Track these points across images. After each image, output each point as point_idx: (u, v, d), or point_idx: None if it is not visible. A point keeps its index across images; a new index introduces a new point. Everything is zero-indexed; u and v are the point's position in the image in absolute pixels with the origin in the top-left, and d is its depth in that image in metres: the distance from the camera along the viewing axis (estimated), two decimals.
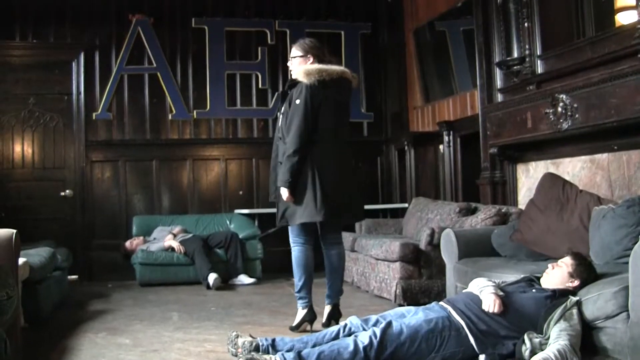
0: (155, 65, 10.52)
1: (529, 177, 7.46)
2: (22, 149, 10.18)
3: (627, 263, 4.39)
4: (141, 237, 9.62)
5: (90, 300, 7.75)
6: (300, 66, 5.89)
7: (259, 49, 10.90)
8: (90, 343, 5.52)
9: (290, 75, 5.96)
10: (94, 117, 10.36)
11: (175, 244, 9.14)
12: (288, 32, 10.93)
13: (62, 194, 10.20)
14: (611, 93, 5.85)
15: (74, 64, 10.31)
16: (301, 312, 5.94)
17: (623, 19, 6.61)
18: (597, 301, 4.53)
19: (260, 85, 10.86)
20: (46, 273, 6.80)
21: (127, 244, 9.53)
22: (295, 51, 6.01)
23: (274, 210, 9.57)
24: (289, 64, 6.08)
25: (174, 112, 10.60)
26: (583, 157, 6.65)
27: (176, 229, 9.54)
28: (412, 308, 4.79)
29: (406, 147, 10.29)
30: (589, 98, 6.10)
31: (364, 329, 4.52)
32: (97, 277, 9.82)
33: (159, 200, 10.58)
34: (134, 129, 10.54)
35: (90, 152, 10.35)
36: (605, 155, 6.39)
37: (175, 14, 10.72)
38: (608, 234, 5.29)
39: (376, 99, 11.40)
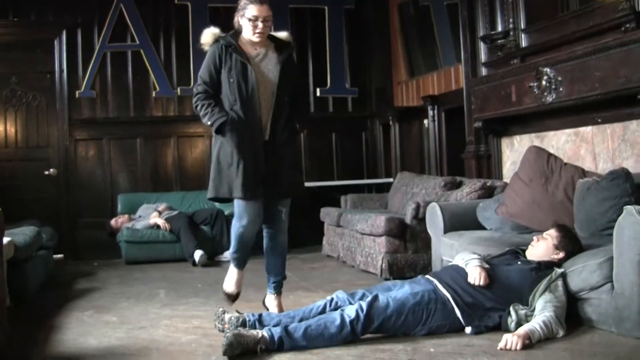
0: (138, 42, 10.45)
1: (513, 151, 7.48)
2: (5, 128, 10.11)
3: (611, 235, 4.45)
4: (126, 215, 9.60)
5: (76, 279, 7.73)
6: (280, 32, 5.45)
7: None
8: (77, 321, 5.51)
9: (259, 33, 5.13)
10: (77, 96, 10.30)
11: (160, 222, 9.13)
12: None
13: (47, 173, 10.15)
14: (595, 66, 5.86)
15: (56, 42, 10.22)
16: None
17: None
18: (581, 273, 4.57)
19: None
20: (31, 252, 6.78)
21: (113, 222, 9.51)
22: (269, 11, 5.18)
23: None
24: (260, 22, 5.12)
25: (158, 89, 10.54)
26: (567, 130, 6.67)
27: (161, 207, 9.53)
28: (398, 282, 4.83)
29: (391, 122, 10.29)
30: (573, 71, 6.11)
31: (351, 303, 4.55)
32: (82, 255, 9.79)
33: (143, 178, 10.54)
34: (118, 106, 10.48)
35: (74, 130, 10.29)
36: (589, 128, 6.41)
37: None
38: (592, 206, 5.32)
39: (360, 75, 11.36)
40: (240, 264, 5.39)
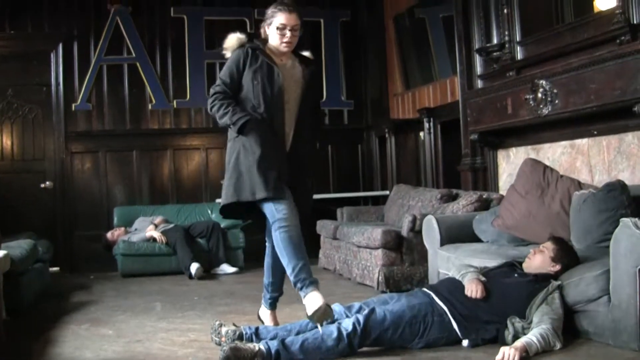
0: (134, 55, 10.46)
1: (509, 163, 7.49)
2: (1, 140, 10.11)
3: (608, 247, 4.46)
4: (122, 228, 9.59)
5: (72, 292, 7.72)
6: (304, 51, 5.28)
7: None
8: (73, 334, 5.50)
9: (287, 42, 4.94)
10: (73, 108, 10.30)
11: (156, 234, 9.12)
12: None
13: (43, 185, 10.16)
14: (590, 78, 5.87)
15: (52, 54, 10.24)
16: None
17: (602, 4, 6.64)
18: (578, 285, 4.58)
19: None
20: (27, 265, 6.77)
21: (109, 235, 9.49)
22: (297, 20, 4.96)
23: None
24: (288, 31, 4.91)
25: (154, 102, 10.55)
26: (563, 143, 6.68)
27: (157, 219, 9.51)
28: (395, 295, 4.83)
29: (387, 134, 10.31)
30: (568, 83, 6.13)
31: (347, 316, 4.54)
32: (78, 268, 9.78)
33: (140, 191, 10.55)
34: (114, 119, 10.49)
35: (70, 143, 10.30)
36: (585, 140, 6.42)
37: (153, 3, 10.65)
38: (589, 218, 5.32)
39: (356, 87, 11.38)
40: (312, 278, 4.67)
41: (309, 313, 4.43)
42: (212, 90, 4.97)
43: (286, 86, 4.89)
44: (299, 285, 4.60)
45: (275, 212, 4.70)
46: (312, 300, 4.47)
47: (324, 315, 4.42)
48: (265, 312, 5.31)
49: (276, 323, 5.16)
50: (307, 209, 5.14)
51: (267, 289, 5.27)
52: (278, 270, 5.11)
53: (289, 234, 4.66)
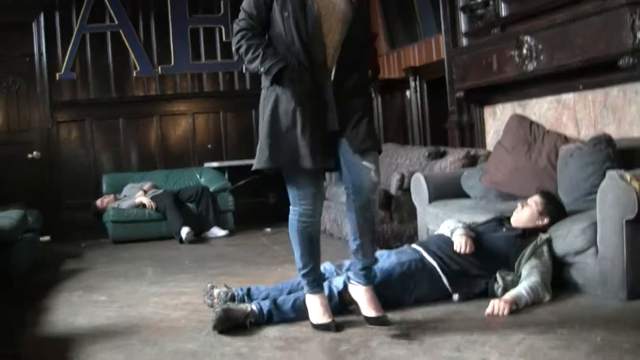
0: (117, 22, 10.39)
1: (496, 120, 7.50)
2: None
3: (594, 200, 4.50)
4: (112, 195, 9.57)
5: (63, 261, 7.71)
6: None
7: (222, 1, 10.80)
8: (66, 302, 5.51)
9: None
10: (57, 78, 10.24)
11: (146, 200, 9.12)
12: None
13: (30, 156, 10.11)
14: (575, 33, 5.87)
15: (34, 24, 10.15)
16: None
17: None
18: (566, 237, 4.62)
19: (224, 39, 10.76)
20: (17, 235, 6.76)
21: (98, 202, 9.48)
22: None
23: (242, 162, 9.56)
24: None
25: (139, 69, 10.50)
26: (549, 98, 6.69)
27: (146, 185, 9.51)
28: (384, 252, 4.84)
29: (373, 94, 10.28)
30: (553, 39, 6.12)
31: (338, 274, 4.58)
32: (69, 237, 9.75)
33: (127, 158, 10.53)
34: (99, 87, 10.44)
35: (55, 112, 10.25)
36: (571, 95, 6.43)
37: None
38: (575, 172, 5.35)
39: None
40: (316, 283, 4.24)
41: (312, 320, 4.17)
42: (235, 27, 4.15)
43: (324, 14, 3.99)
44: (305, 287, 4.25)
45: (306, 191, 4.14)
46: (314, 302, 4.20)
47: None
48: (358, 290, 4.19)
49: (376, 306, 4.11)
50: (376, 142, 4.17)
51: (357, 255, 4.17)
52: (365, 229, 4.13)
53: (309, 225, 4.17)
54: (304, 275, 4.20)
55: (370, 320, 4.04)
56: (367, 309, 4.08)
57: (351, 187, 4.09)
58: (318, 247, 4.25)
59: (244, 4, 4.12)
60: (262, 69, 4.03)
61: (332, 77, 4.05)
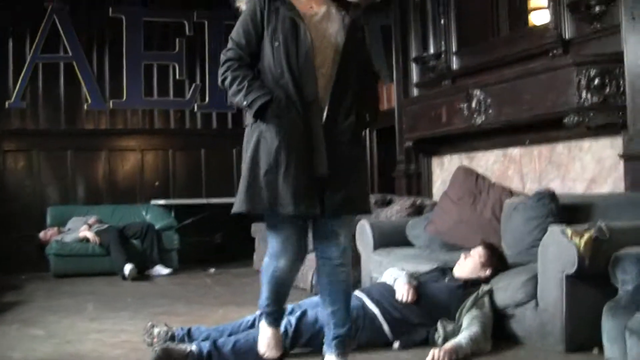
0: (71, 54, 10.35)
1: (443, 170, 7.59)
2: None
3: (536, 253, 4.55)
4: (56, 228, 9.45)
5: (2, 293, 7.57)
6: None
7: (177, 39, 10.83)
8: (3, 335, 5.40)
9: None
10: (7, 106, 10.15)
11: (90, 235, 9.03)
12: (206, 23, 10.89)
13: None
14: (523, 89, 5.99)
15: None
16: None
17: (536, 18, 6.80)
18: (507, 290, 4.66)
19: (177, 76, 10.79)
20: None
21: (42, 234, 9.36)
22: None
23: (189, 201, 9.53)
24: None
25: (90, 101, 10.45)
26: (496, 151, 6.80)
27: (91, 219, 9.42)
28: None
29: None
30: (502, 94, 6.24)
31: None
32: (10, 269, 9.58)
33: (74, 191, 10.44)
34: (49, 118, 10.36)
35: (3, 141, 10.16)
36: (517, 149, 6.54)
37: (92, 2, 10.56)
38: (519, 225, 5.42)
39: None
40: (276, 320, 4.04)
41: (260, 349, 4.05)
42: (222, 57, 3.77)
43: (317, 45, 3.65)
44: (264, 318, 4.04)
45: (284, 240, 3.80)
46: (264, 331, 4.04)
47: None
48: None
49: None
50: (361, 202, 3.84)
51: (329, 323, 3.91)
52: (338, 294, 3.90)
53: (282, 274, 3.87)
54: (265, 312, 4.00)
55: None
56: None
57: (321, 248, 3.92)
58: (287, 293, 4.01)
59: (233, 33, 3.76)
60: (244, 102, 3.63)
61: (324, 116, 3.64)
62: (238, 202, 3.66)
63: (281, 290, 3.96)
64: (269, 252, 3.86)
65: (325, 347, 3.91)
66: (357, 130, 3.78)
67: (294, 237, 3.79)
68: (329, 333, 3.87)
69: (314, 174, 3.60)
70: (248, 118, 3.75)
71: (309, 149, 3.60)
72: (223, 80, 3.74)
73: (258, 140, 3.63)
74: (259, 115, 3.61)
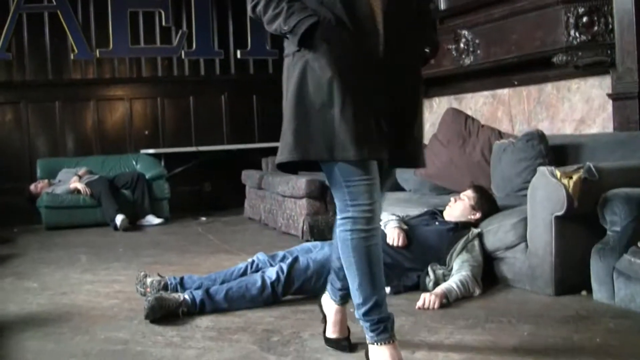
0: (55, 3, 10.20)
1: (432, 113, 7.58)
2: None
3: (526, 195, 4.55)
4: (46, 180, 9.43)
5: None
6: None
7: None
8: None
9: None
10: None
11: (80, 186, 9.02)
12: None
13: None
14: (511, 29, 5.97)
15: None
16: None
17: None
18: (497, 232, 4.68)
19: (163, 23, 10.68)
20: None
21: (32, 187, 9.34)
22: None
23: (179, 149, 9.52)
24: None
25: (76, 51, 10.34)
26: (485, 93, 6.79)
27: (81, 171, 9.39)
28: (318, 243, 4.87)
29: None
30: (490, 34, 6.21)
31: (272, 265, 4.58)
32: (1, 222, 9.60)
33: (63, 142, 10.38)
34: (35, 69, 10.26)
35: None
36: (506, 90, 6.53)
37: None
38: (508, 167, 5.44)
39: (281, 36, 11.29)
40: (383, 326, 3.10)
41: None
42: None
43: None
44: (367, 326, 3.10)
45: (362, 189, 2.97)
46: (382, 358, 3.09)
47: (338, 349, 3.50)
48: (330, 305, 3.55)
49: (344, 323, 3.55)
50: (418, 154, 3.22)
51: (338, 276, 3.41)
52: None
53: (368, 242, 3.01)
54: (365, 315, 3.08)
55: (329, 342, 3.54)
56: (331, 329, 3.51)
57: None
58: (382, 272, 3.09)
59: None
60: (285, 28, 2.98)
61: (381, 42, 3.01)
62: (285, 149, 3.02)
63: (374, 269, 3.05)
64: (340, 209, 3.07)
65: (329, 290, 3.52)
66: (418, 64, 3.20)
67: (365, 177, 2.97)
68: (337, 282, 3.42)
69: (376, 110, 2.97)
70: (289, 47, 3.11)
71: (368, 79, 2.97)
72: (254, 7, 3.09)
73: (304, 71, 2.98)
74: (305, 42, 2.95)
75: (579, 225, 4.33)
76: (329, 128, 2.89)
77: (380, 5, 2.98)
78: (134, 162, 9.98)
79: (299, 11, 2.94)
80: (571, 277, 4.36)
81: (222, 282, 4.50)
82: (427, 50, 3.22)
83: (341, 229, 3.04)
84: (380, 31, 2.98)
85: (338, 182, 3.00)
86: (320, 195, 7.08)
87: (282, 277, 4.38)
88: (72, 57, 10.37)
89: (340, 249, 3.09)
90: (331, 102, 2.89)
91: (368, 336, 3.11)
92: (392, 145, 3.01)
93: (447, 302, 4.26)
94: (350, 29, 2.93)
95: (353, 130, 2.87)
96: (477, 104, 6.87)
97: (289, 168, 3.14)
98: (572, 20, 5.46)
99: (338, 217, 3.06)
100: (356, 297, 3.07)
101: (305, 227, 7.04)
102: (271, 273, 4.40)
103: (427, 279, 4.54)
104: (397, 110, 3.03)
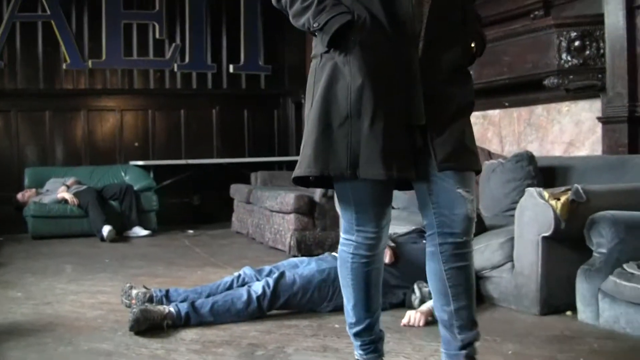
0: (49, 12, 10.20)
1: None
2: None
3: (514, 215, 4.56)
4: (34, 189, 9.40)
5: None
6: None
7: None
8: None
9: None
10: None
11: (68, 196, 8.99)
12: None
13: None
14: (504, 51, 5.99)
15: None
16: None
17: None
18: (484, 252, 4.69)
19: (157, 36, 10.68)
20: None
21: (19, 195, 9.30)
22: None
23: (168, 162, 9.50)
24: None
25: (69, 61, 10.33)
26: (476, 113, 6.79)
27: (70, 181, 9.37)
28: (305, 259, 4.88)
29: (303, 100, 10.30)
30: (483, 55, 6.21)
31: (258, 279, 4.59)
32: None
33: (52, 152, 10.35)
34: (27, 78, 10.25)
35: None
36: (497, 111, 6.56)
37: None
38: (497, 187, 5.45)
39: (275, 51, 11.35)
40: (373, 347, 3.04)
41: None
42: None
43: None
44: (358, 345, 3.04)
45: (370, 214, 2.84)
46: None
47: None
48: None
49: None
50: (472, 158, 2.92)
51: (450, 328, 2.95)
52: (463, 279, 2.88)
53: (369, 267, 2.91)
54: (356, 335, 3.01)
55: None
56: None
57: (436, 221, 2.85)
58: (379, 294, 3.00)
59: None
60: (315, 25, 2.68)
61: (421, 46, 2.71)
62: (305, 162, 2.81)
63: (371, 293, 2.95)
64: (345, 230, 2.93)
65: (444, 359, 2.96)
66: (464, 64, 2.89)
67: (377, 204, 2.84)
68: (453, 341, 2.92)
69: (409, 124, 2.70)
70: (317, 47, 2.82)
71: (403, 89, 2.68)
72: None
73: (332, 76, 2.72)
74: (335, 42, 2.67)
75: (566, 246, 4.36)
76: (355, 142, 2.66)
77: (424, 3, 2.70)
78: (123, 173, 9.96)
79: (331, 7, 2.65)
80: (557, 297, 4.38)
81: (208, 296, 4.50)
82: (472, 45, 2.89)
83: (343, 249, 2.93)
84: (422, 34, 2.69)
85: (348, 204, 2.85)
86: (309, 211, 7.09)
87: (268, 292, 4.38)
88: (64, 66, 10.37)
89: (339, 266, 2.99)
90: (359, 113, 2.65)
91: (357, 352, 3.05)
92: (438, 152, 2.73)
93: (433, 319, 4.25)
94: (387, 30, 2.66)
95: (382, 146, 2.63)
96: None
97: (304, 182, 2.98)
98: (564, 44, 5.49)
99: (342, 235, 2.93)
100: (349, 316, 2.99)
101: (292, 242, 7.03)
102: (257, 287, 4.39)
103: (413, 297, 4.54)
104: (437, 120, 2.74)
